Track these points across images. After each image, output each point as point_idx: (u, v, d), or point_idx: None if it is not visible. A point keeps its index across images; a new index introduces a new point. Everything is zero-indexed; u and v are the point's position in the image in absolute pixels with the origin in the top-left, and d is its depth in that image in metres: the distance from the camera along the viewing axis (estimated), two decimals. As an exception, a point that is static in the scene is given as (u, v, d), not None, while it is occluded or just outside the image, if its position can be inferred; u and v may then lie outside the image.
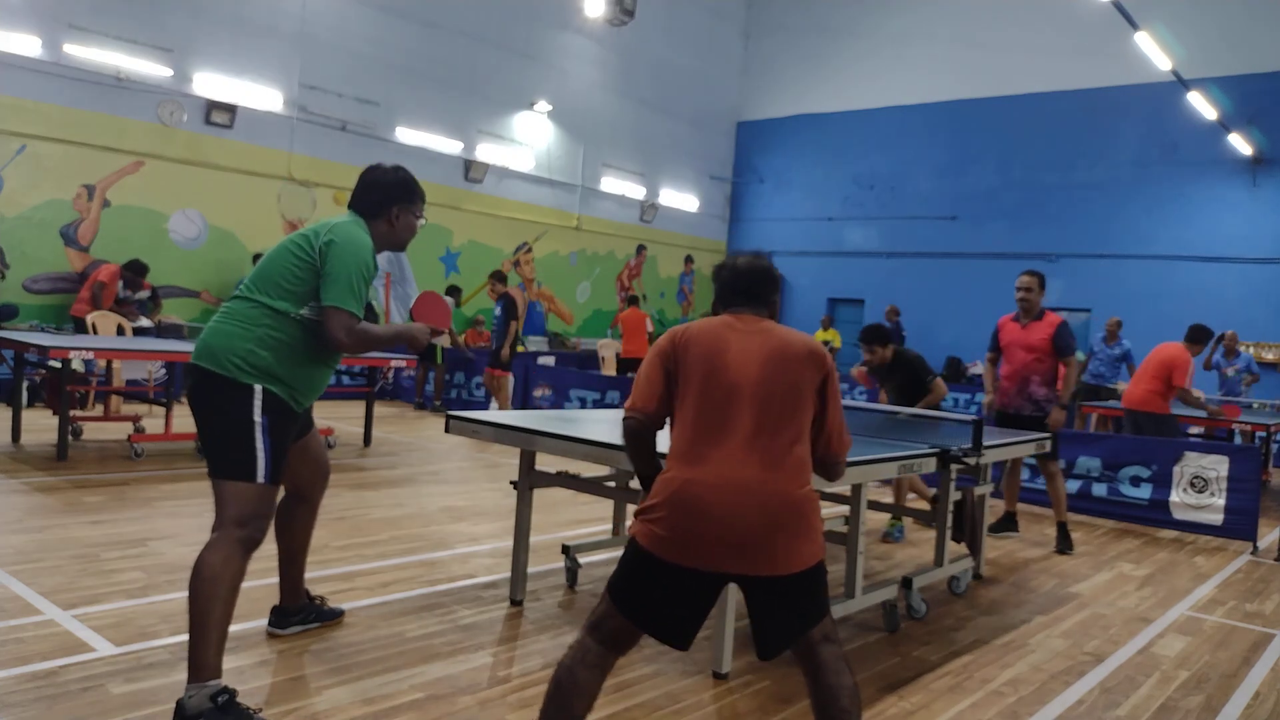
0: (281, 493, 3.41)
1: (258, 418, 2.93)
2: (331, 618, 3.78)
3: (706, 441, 2.40)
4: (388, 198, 3.24)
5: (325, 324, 2.97)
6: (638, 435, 2.55)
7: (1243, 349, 12.31)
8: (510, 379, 11.02)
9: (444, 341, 11.62)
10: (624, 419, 2.57)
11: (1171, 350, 8.00)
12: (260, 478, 2.93)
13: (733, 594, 3.54)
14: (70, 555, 4.46)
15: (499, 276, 11.13)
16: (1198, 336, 8.09)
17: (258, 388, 2.94)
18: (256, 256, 11.82)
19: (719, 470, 2.35)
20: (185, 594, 3.98)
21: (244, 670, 3.25)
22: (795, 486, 2.39)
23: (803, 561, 2.35)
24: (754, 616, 2.42)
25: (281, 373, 2.98)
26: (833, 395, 2.55)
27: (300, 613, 3.67)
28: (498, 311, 10.80)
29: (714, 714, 3.24)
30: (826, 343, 15.15)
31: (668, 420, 2.57)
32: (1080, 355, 11.53)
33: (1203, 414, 8.71)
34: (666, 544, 2.33)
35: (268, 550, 4.83)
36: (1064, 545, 6.29)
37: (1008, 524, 6.64)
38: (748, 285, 2.68)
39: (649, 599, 2.38)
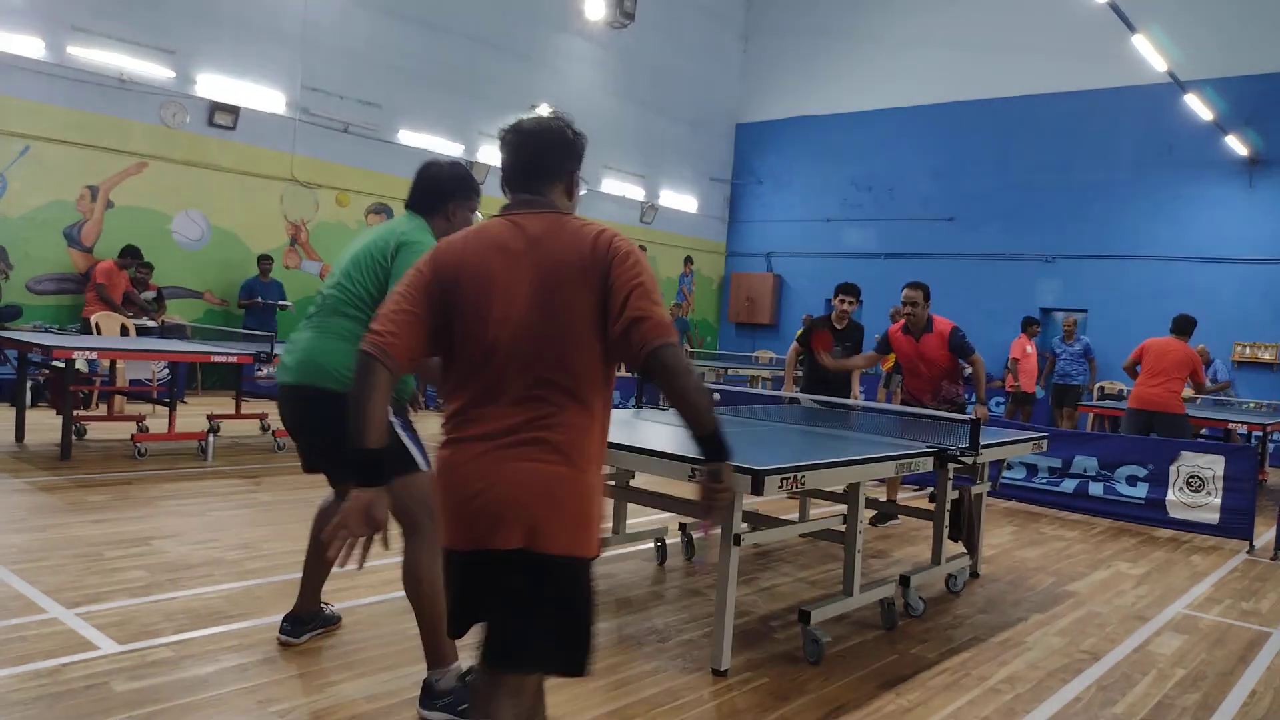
0: (332, 494, 3.44)
1: (391, 417, 3.04)
2: (334, 622, 3.82)
3: (471, 407, 2.01)
4: (444, 195, 3.30)
5: None
6: (367, 369, 1.99)
7: (1218, 361, 12.52)
8: None
9: None
10: (361, 348, 2.01)
11: (1183, 348, 8.16)
12: (423, 465, 3.11)
13: (731, 592, 3.58)
14: (73, 554, 4.49)
15: None
16: (1186, 327, 8.31)
17: None
18: (260, 257, 11.85)
19: (478, 448, 1.97)
20: (186, 593, 4.02)
21: (248, 667, 3.28)
22: (562, 463, 1.96)
23: (559, 545, 1.94)
24: (485, 607, 2.05)
25: None
26: (622, 276, 1.97)
27: (313, 620, 3.70)
28: None
29: (713, 711, 3.27)
30: None
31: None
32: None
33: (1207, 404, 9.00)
34: (444, 531, 2.07)
35: (267, 550, 4.87)
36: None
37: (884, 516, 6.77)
38: (529, 158, 2.12)
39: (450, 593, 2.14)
